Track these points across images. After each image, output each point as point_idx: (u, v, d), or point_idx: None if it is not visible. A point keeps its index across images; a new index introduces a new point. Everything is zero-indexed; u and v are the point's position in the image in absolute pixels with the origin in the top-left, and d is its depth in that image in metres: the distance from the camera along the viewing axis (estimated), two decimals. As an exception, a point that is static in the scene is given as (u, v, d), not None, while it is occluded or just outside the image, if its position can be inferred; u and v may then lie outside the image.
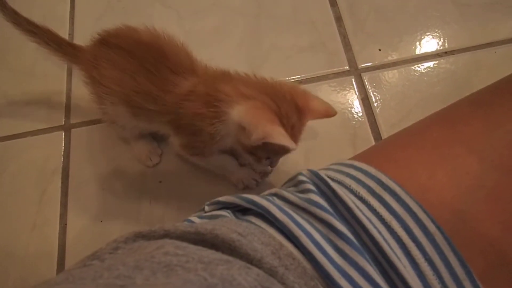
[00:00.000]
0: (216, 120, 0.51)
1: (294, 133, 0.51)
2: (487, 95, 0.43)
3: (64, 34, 0.88)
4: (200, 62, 0.60)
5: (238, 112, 0.49)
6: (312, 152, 0.72)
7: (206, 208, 0.46)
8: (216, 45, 0.84)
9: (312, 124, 0.74)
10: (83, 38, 0.64)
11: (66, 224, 0.71)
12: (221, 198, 0.44)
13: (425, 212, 0.33)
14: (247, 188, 0.68)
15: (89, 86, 0.63)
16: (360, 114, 0.74)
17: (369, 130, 0.73)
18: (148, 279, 0.27)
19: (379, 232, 0.33)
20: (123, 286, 0.26)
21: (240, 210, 0.43)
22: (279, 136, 0.46)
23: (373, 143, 0.72)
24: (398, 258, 0.32)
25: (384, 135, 0.72)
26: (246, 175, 0.67)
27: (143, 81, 0.55)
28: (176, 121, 0.56)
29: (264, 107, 0.49)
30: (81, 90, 0.82)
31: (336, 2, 0.85)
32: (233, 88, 0.51)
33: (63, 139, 0.78)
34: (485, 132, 0.37)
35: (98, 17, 0.90)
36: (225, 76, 0.56)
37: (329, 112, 0.52)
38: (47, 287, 0.27)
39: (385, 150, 0.42)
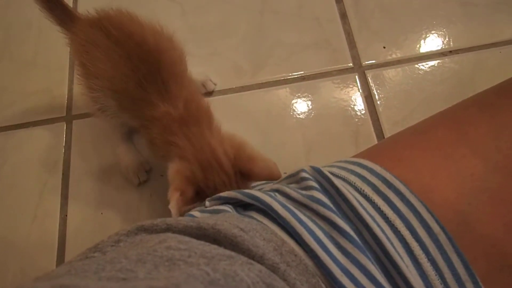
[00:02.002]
0: (164, 157, 0.56)
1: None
2: (492, 96, 0.42)
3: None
4: (188, 83, 0.59)
5: (170, 168, 0.54)
6: (314, 149, 0.72)
7: (207, 203, 0.46)
8: (220, 40, 0.83)
9: (314, 121, 0.74)
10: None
11: (66, 216, 0.71)
12: (222, 194, 0.44)
13: (429, 212, 0.33)
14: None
15: (79, 72, 0.61)
16: (363, 112, 0.74)
17: (372, 128, 0.72)
18: (150, 273, 0.27)
19: (383, 231, 0.33)
20: (126, 279, 0.25)
21: (242, 206, 0.43)
22: (172, 203, 0.50)
23: (376, 141, 0.72)
24: (400, 257, 0.32)
25: (387, 133, 0.72)
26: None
27: (132, 86, 0.55)
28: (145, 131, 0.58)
29: (184, 173, 0.53)
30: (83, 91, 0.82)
31: (341, -2, 0.85)
32: (180, 143, 0.54)
33: (65, 130, 0.78)
34: (490, 134, 0.37)
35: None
36: (189, 123, 0.55)
37: (272, 177, 0.53)
38: (48, 279, 0.27)
39: (390, 149, 0.42)
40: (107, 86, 0.57)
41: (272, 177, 0.53)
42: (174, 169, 0.54)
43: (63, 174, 0.74)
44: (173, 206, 0.49)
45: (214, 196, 0.46)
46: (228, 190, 0.52)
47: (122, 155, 0.72)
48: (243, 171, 0.53)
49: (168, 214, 0.70)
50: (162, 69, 0.55)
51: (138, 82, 0.55)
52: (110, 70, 0.56)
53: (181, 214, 0.50)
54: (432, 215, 0.33)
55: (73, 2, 0.91)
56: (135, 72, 0.55)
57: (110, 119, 0.65)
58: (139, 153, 0.72)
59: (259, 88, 0.78)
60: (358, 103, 0.75)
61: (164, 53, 0.56)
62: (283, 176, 0.59)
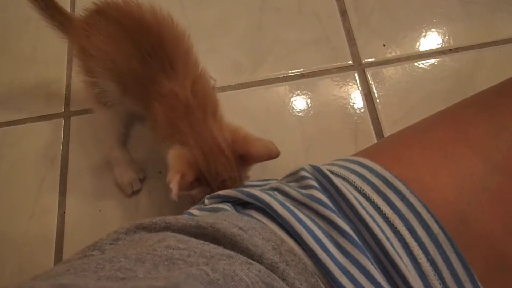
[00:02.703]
0: (165, 139, 0.55)
1: (227, 185, 0.52)
2: (492, 96, 0.42)
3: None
4: (194, 62, 0.58)
5: (170, 154, 0.53)
6: (313, 147, 0.72)
7: (206, 201, 0.46)
8: (219, 37, 0.83)
9: (313, 119, 0.74)
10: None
11: (64, 213, 0.71)
12: (221, 192, 0.44)
13: (429, 212, 0.33)
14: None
15: (78, 57, 0.61)
16: (362, 110, 0.74)
17: (371, 126, 0.72)
18: (149, 272, 0.27)
19: (382, 231, 0.33)
20: (125, 279, 0.25)
21: (241, 204, 0.43)
22: (173, 183, 0.49)
23: (375, 139, 0.72)
24: (400, 257, 0.32)
25: (386, 131, 0.72)
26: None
27: (136, 64, 0.54)
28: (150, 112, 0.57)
29: (185, 157, 0.52)
30: (82, 78, 0.82)
31: (341, -5, 0.84)
32: (184, 129, 0.53)
33: (63, 126, 0.78)
34: (490, 134, 0.37)
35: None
36: (195, 109, 0.54)
37: (271, 155, 0.52)
38: (47, 278, 0.27)
39: (389, 148, 0.42)
40: (109, 68, 0.56)
41: (270, 155, 0.52)
42: (175, 153, 0.53)
43: (61, 170, 0.74)
44: (174, 185, 0.48)
45: (213, 194, 0.45)
46: (230, 175, 0.52)
47: (116, 162, 0.70)
48: (241, 153, 0.53)
49: (167, 211, 0.70)
50: (165, 45, 0.54)
51: (142, 59, 0.54)
52: (112, 51, 0.55)
53: (179, 196, 0.49)
54: (432, 215, 0.33)
55: (70, 2, 0.90)
56: (138, 50, 0.54)
57: (108, 109, 0.64)
58: (133, 161, 0.71)
59: (259, 85, 0.78)
60: (358, 101, 0.74)
61: (166, 29, 0.55)
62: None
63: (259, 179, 0.57)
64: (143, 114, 0.63)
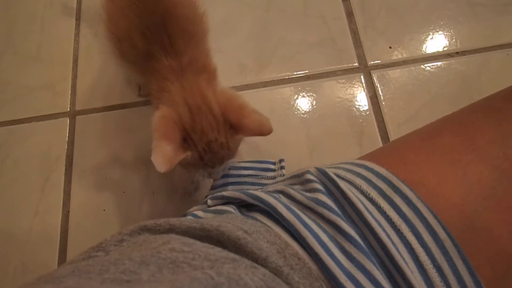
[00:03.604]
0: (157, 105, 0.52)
1: (213, 148, 0.50)
2: (500, 102, 0.42)
3: (71, 20, 0.88)
4: (198, 47, 0.56)
5: (155, 116, 0.49)
6: (318, 148, 0.71)
7: (209, 202, 0.46)
8: (224, 37, 0.83)
9: (318, 121, 0.73)
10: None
11: (68, 212, 0.71)
12: (225, 193, 0.44)
13: (435, 217, 0.33)
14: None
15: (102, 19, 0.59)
16: (367, 112, 0.73)
17: (376, 129, 0.72)
18: (154, 275, 0.26)
19: (388, 236, 0.33)
20: (129, 282, 0.25)
21: (245, 206, 0.42)
22: (155, 153, 0.45)
23: (380, 142, 0.71)
24: (406, 263, 0.32)
25: (391, 134, 0.71)
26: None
27: (136, 35, 0.53)
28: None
29: (171, 119, 0.48)
30: (87, 77, 0.82)
31: (347, -3, 0.84)
32: (174, 89, 0.51)
33: (68, 126, 0.78)
34: (497, 140, 0.37)
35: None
36: (188, 73, 0.53)
37: (262, 130, 0.48)
38: (52, 279, 0.27)
39: (396, 152, 0.42)
40: (113, 31, 0.56)
41: (262, 131, 0.48)
42: (159, 115, 0.49)
43: (65, 169, 0.74)
44: (156, 157, 0.44)
45: (216, 195, 0.45)
46: (216, 135, 0.49)
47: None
48: (233, 121, 0.49)
49: (170, 211, 0.70)
50: (169, 23, 0.52)
51: (143, 32, 0.52)
52: (118, 15, 0.54)
53: (171, 166, 0.45)
54: (438, 221, 0.33)
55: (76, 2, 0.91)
56: (141, 21, 0.52)
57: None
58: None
59: (263, 87, 0.78)
60: (363, 103, 0.74)
61: (175, 7, 0.53)
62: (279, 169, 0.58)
63: (254, 159, 0.57)
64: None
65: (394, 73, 0.76)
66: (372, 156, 0.43)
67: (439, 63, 0.77)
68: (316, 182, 0.39)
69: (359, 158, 0.42)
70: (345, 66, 0.78)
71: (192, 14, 0.56)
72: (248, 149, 0.70)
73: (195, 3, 0.58)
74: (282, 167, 0.58)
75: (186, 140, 0.49)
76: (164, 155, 0.45)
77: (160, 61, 0.52)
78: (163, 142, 0.46)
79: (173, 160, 0.46)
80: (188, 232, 0.34)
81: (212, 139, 0.49)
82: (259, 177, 0.57)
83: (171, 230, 0.35)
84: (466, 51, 0.77)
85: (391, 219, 0.34)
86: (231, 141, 0.50)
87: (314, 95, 0.76)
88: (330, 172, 0.39)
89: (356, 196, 0.36)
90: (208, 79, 0.53)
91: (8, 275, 0.68)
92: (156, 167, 0.43)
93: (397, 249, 0.32)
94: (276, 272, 0.31)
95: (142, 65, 0.55)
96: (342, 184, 0.37)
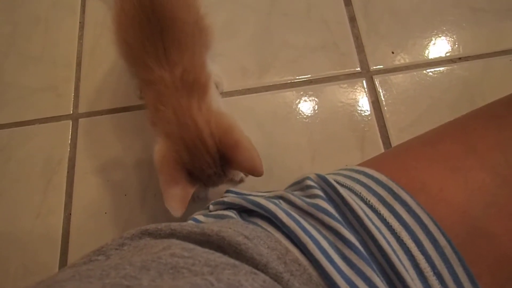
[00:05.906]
0: (154, 125, 0.54)
1: (213, 179, 0.53)
2: (501, 108, 0.42)
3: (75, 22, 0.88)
4: (193, 57, 0.56)
5: (156, 150, 0.51)
6: (319, 153, 0.71)
7: (211, 207, 0.46)
8: (226, 41, 0.83)
9: (320, 125, 0.73)
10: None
11: (70, 214, 0.71)
12: (226, 199, 0.44)
13: (436, 224, 0.33)
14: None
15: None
16: (369, 117, 0.73)
17: (378, 134, 0.72)
18: (154, 280, 0.26)
19: (388, 243, 0.33)
20: (130, 287, 0.25)
21: (246, 211, 0.43)
22: (167, 200, 0.47)
23: (382, 147, 0.71)
24: (406, 270, 0.32)
25: (393, 139, 0.71)
26: None
27: (136, 43, 0.54)
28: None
29: (173, 160, 0.50)
30: (90, 79, 0.82)
31: (350, 1, 0.84)
32: (167, 116, 0.52)
33: (70, 128, 0.78)
34: (498, 147, 0.37)
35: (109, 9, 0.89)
36: (180, 94, 0.53)
37: (253, 172, 0.50)
38: (53, 283, 0.27)
39: (396, 159, 0.42)
40: (121, 35, 0.56)
41: (253, 171, 0.50)
42: (160, 153, 0.51)
43: (68, 171, 0.74)
44: (170, 204, 0.46)
45: (218, 200, 0.45)
46: (213, 171, 0.51)
47: None
48: (228, 158, 0.51)
49: (171, 215, 0.70)
50: (166, 34, 0.52)
51: (142, 42, 0.53)
52: (126, 20, 0.55)
53: (186, 206, 0.48)
54: (439, 228, 0.33)
55: (81, 5, 0.91)
56: (142, 30, 0.53)
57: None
58: None
59: (266, 91, 0.78)
60: (365, 108, 0.74)
61: (174, 19, 0.53)
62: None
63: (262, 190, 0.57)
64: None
65: (396, 78, 0.76)
66: (373, 163, 0.43)
67: (441, 69, 0.76)
68: (316, 188, 0.39)
69: (359, 165, 0.42)
70: (347, 70, 0.78)
71: (193, 27, 0.56)
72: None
73: (199, 15, 0.58)
74: None
75: (190, 174, 0.52)
76: (176, 200, 0.48)
77: (153, 72, 0.53)
78: (172, 187, 0.49)
79: (185, 200, 0.49)
80: (189, 237, 0.34)
81: (211, 174, 0.52)
82: None
83: (172, 234, 0.35)
84: (469, 56, 0.77)
85: (391, 226, 0.34)
86: (228, 172, 0.54)
87: (316, 99, 0.76)
88: (330, 178, 0.39)
89: (357, 203, 0.36)
90: (199, 97, 0.53)
91: (9, 276, 0.68)
92: (172, 213, 0.46)
93: (397, 256, 0.32)
94: (277, 278, 0.31)
95: (139, 76, 0.56)
96: (342, 191, 0.37)
